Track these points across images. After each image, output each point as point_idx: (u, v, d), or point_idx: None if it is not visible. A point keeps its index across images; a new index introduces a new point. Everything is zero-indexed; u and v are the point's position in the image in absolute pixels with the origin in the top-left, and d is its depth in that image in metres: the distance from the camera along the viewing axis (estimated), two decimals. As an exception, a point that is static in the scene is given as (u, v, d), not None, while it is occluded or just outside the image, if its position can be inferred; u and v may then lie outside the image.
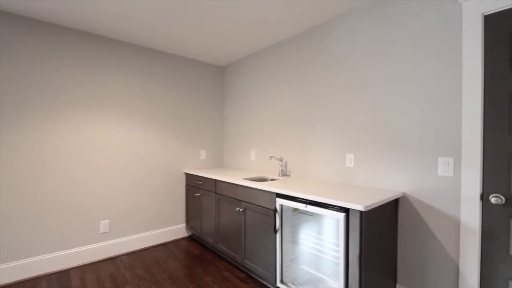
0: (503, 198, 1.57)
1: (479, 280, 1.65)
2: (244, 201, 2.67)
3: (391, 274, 2.02)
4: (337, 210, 1.77)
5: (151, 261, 3.05)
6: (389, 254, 1.98)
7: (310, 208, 1.91)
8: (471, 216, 1.66)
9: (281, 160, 3.17)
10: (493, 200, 1.59)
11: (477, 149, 1.63)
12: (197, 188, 3.57)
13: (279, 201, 2.25)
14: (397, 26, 2.11)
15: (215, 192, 3.15)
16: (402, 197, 2.03)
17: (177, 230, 3.81)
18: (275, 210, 2.30)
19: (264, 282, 2.60)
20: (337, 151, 2.55)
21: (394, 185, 2.09)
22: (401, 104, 2.06)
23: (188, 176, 3.80)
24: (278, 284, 2.27)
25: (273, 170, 3.39)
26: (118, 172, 3.27)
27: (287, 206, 2.25)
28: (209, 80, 4.20)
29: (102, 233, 3.15)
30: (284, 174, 3.20)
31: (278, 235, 2.27)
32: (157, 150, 3.61)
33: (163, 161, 3.66)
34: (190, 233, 3.96)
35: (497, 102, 1.57)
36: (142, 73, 3.47)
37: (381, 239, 1.87)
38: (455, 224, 1.76)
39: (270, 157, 3.15)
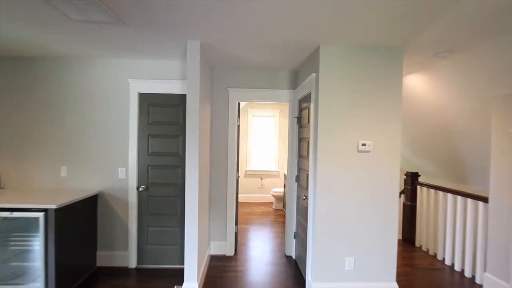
0: (145, 187, 2.81)
1: (137, 229, 2.83)
2: None
3: (92, 244, 2.76)
4: (35, 211, 2.11)
5: None
6: (90, 231, 2.72)
7: (16, 214, 2.12)
8: (133, 198, 2.80)
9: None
10: (140, 189, 2.80)
11: (134, 163, 2.80)
12: None
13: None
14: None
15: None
16: (99, 193, 2.81)
17: None
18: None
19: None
20: (51, 164, 2.78)
21: (95, 186, 2.81)
22: (105, 134, 2.82)
23: None
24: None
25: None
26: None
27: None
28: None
29: None
30: None
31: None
32: None
33: None
34: None
35: (143, 139, 2.83)
36: None
37: (81, 224, 2.54)
38: (126, 204, 2.82)
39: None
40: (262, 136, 6.09)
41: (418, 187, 3.55)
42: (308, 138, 2.55)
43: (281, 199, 5.26)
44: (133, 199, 2.77)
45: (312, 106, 2.39)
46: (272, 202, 5.71)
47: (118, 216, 2.79)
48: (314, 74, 2.34)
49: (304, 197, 2.56)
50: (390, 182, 2.29)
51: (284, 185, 5.00)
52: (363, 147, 2.24)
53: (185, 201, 2.23)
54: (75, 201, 2.36)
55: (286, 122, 6.00)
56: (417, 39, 2.10)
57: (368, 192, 2.28)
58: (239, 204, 3.31)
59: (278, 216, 4.94)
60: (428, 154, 3.68)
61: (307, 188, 2.57)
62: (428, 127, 3.41)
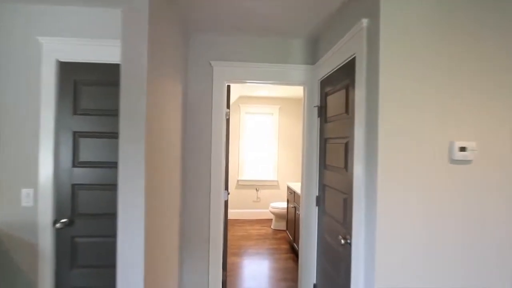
0: (68, 221, 1.65)
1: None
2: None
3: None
4: None
5: None
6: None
7: None
8: (45, 240, 1.64)
9: None
10: (59, 224, 1.62)
11: (49, 181, 1.63)
12: None
13: None
14: None
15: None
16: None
17: None
18: None
19: None
20: None
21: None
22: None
23: None
24: None
25: None
26: None
27: None
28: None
29: None
30: None
31: None
32: None
33: None
34: None
35: (64, 140, 1.66)
36: None
37: None
38: (35, 251, 1.64)
39: None
40: (258, 138, 5.01)
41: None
42: (346, 137, 1.50)
43: (283, 216, 4.18)
44: (46, 241, 1.61)
45: (360, 83, 1.33)
46: (271, 220, 4.61)
47: (21, 272, 1.62)
48: (365, 21, 1.28)
49: (342, 241, 1.48)
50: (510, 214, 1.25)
51: (288, 200, 3.92)
52: (462, 153, 1.20)
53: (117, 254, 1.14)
54: None
55: (287, 121, 4.96)
56: None
57: (473, 234, 1.23)
58: (228, 222, 2.22)
59: (280, 240, 3.85)
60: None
61: (343, 223, 1.50)
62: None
